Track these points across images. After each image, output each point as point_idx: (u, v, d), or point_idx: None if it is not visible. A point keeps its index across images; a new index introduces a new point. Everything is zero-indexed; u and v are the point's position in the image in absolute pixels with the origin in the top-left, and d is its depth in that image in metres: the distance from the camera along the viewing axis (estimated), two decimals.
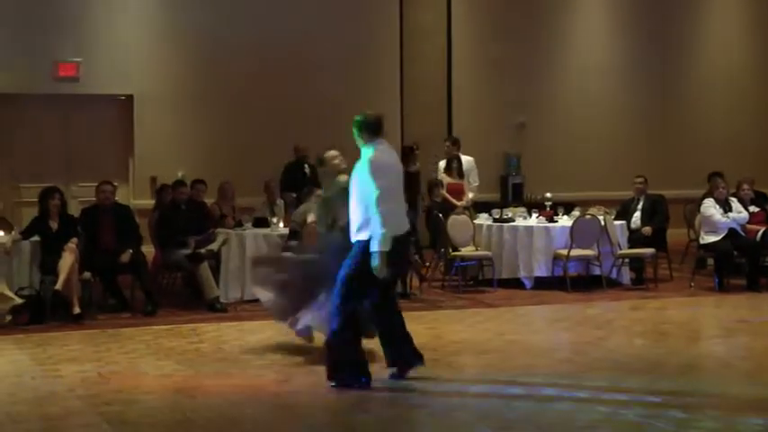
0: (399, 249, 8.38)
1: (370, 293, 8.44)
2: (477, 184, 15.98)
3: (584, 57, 20.34)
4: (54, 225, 12.05)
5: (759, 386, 8.51)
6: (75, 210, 13.47)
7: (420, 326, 10.93)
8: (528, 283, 14.02)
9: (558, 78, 20.18)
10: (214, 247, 12.86)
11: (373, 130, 8.51)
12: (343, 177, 8.97)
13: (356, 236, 8.32)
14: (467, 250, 14.12)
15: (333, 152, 9.29)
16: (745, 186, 14.79)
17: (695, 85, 21.20)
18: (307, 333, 9.41)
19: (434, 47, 19.02)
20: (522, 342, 10.41)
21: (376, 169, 8.25)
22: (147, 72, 17.28)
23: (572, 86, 20.26)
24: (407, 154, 16.20)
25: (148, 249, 13.22)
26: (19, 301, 11.48)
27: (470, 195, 15.63)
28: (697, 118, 21.12)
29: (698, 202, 14.63)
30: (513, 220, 14.46)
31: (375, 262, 8.10)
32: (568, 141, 19.95)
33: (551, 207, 14.74)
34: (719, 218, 13.92)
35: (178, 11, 17.56)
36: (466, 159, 15.95)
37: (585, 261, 14.18)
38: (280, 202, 14.67)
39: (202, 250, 12.68)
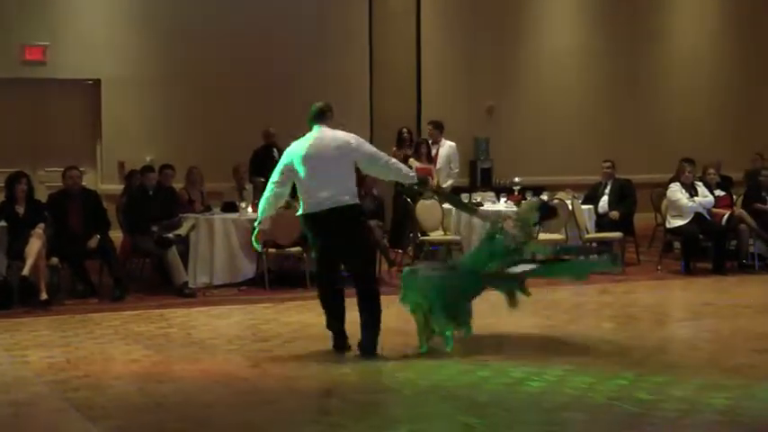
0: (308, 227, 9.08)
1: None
2: (457, 170, 16.04)
3: (553, 41, 20.36)
4: (21, 210, 11.99)
5: (724, 368, 8.58)
6: (42, 195, 13.38)
7: (389, 310, 10.92)
8: None
9: (527, 63, 20.21)
10: (182, 232, 12.84)
11: (311, 118, 9.27)
12: None
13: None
14: (435, 234, 14.15)
15: None
16: (711, 171, 14.93)
17: (663, 70, 21.27)
18: None
19: (404, 29, 19.00)
20: (490, 325, 10.43)
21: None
22: (115, 56, 17.18)
23: (541, 71, 20.29)
24: (402, 138, 16.19)
25: (116, 235, 13.18)
26: None
27: (450, 182, 15.67)
28: (665, 103, 21.20)
29: (665, 187, 14.72)
30: (482, 205, 14.49)
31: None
32: (537, 126, 19.98)
33: (520, 191, 14.79)
34: (686, 202, 14.02)
35: None
36: (448, 145, 15.99)
37: (553, 245, 14.24)
38: (249, 186, 14.64)
39: (170, 235, 12.65)
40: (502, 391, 7.85)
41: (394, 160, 9.61)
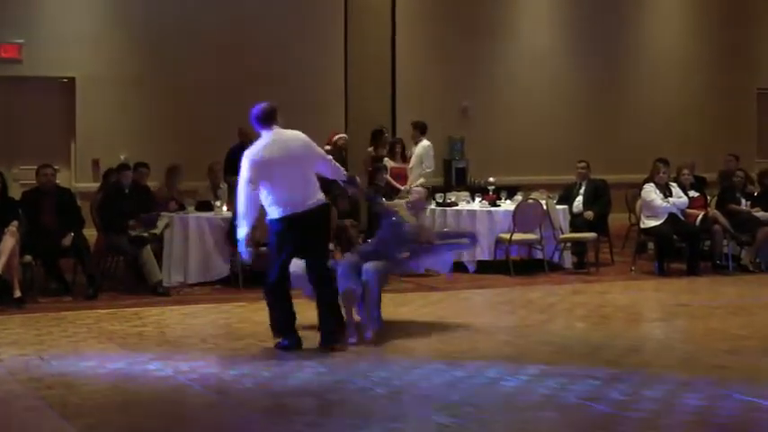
0: (288, 229, 9.08)
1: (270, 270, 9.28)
2: (430, 169, 16.04)
3: (528, 41, 20.42)
4: None
5: (697, 368, 8.63)
6: (16, 193, 13.34)
7: None
8: (471, 267, 14.08)
9: (501, 63, 20.25)
10: (157, 230, 12.81)
11: (265, 119, 9.18)
12: None
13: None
14: None
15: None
16: (685, 171, 14.97)
17: (637, 71, 21.36)
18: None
19: (379, 28, 18.97)
20: (464, 325, 10.47)
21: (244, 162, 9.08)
22: (90, 54, 17.12)
23: (516, 71, 20.33)
24: (377, 137, 16.21)
25: (90, 233, 13.14)
26: None
27: (420, 180, 15.69)
28: (639, 103, 21.30)
29: (639, 187, 14.78)
30: (457, 205, 14.53)
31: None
32: (512, 126, 20.03)
33: (494, 191, 14.82)
34: (660, 202, 14.08)
35: None
36: (422, 144, 16.01)
37: (528, 245, 14.29)
38: (223, 185, 14.61)
39: (145, 234, 12.62)
40: (475, 390, 7.87)
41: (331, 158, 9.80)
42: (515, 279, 13.52)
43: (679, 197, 14.28)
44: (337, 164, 9.77)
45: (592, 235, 14.39)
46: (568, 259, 14.58)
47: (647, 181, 14.74)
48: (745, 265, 14.47)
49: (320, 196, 9.21)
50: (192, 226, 12.97)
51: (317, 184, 9.27)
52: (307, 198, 9.08)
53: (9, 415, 7.35)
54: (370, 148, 15.99)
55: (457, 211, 14.31)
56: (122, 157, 15.59)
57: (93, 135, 17.08)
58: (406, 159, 15.97)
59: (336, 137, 15.50)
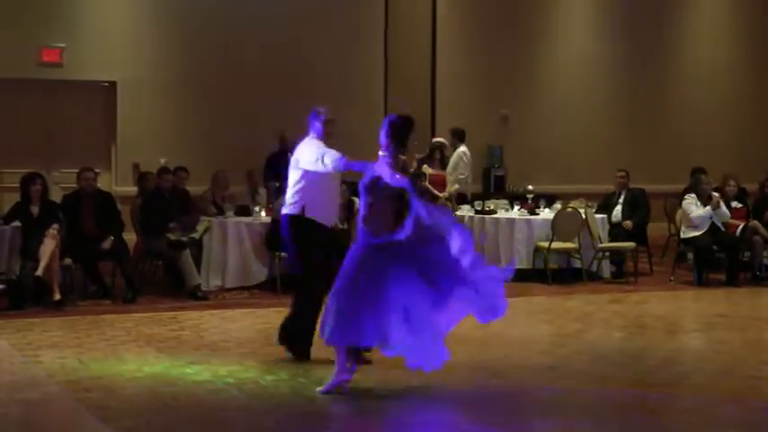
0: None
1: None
2: (463, 176, 16.09)
3: (568, 50, 20.35)
4: (35, 211, 12.03)
5: (735, 379, 8.58)
6: (57, 196, 13.42)
7: None
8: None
9: (541, 71, 20.19)
10: (196, 234, 12.87)
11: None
12: None
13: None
14: None
15: None
16: (731, 182, 14.82)
17: (678, 81, 21.24)
18: None
19: (419, 36, 19.02)
20: (501, 333, 10.44)
21: None
22: (131, 59, 17.21)
23: (555, 79, 20.27)
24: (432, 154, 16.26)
25: (130, 237, 13.22)
26: None
27: (455, 186, 15.73)
28: (679, 113, 21.16)
29: (679, 197, 14.69)
30: (495, 212, 14.51)
31: None
32: (551, 134, 19.96)
33: (533, 199, 14.78)
34: (700, 213, 13.95)
35: None
36: (456, 151, 16.11)
37: (566, 254, 14.24)
38: (262, 190, 14.67)
39: (184, 238, 12.68)
40: (510, 398, 7.86)
41: None
42: (553, 288, 13.48)
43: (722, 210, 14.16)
44: None
45: (630, 244, 14.33)
46: (607, 268, 14.52)
47: (687, 191, 14.65)
48: None
49: None
50: (230, 231, 13.03)
51: None
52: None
53: (47, 417, 7.41)
54: (404, 156, 16.04)
55: (495, 219, 14.28)
56: (163, 161, 15.66)
57: (134, 139, 17.16)
58: (445, 166, 15.98)
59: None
